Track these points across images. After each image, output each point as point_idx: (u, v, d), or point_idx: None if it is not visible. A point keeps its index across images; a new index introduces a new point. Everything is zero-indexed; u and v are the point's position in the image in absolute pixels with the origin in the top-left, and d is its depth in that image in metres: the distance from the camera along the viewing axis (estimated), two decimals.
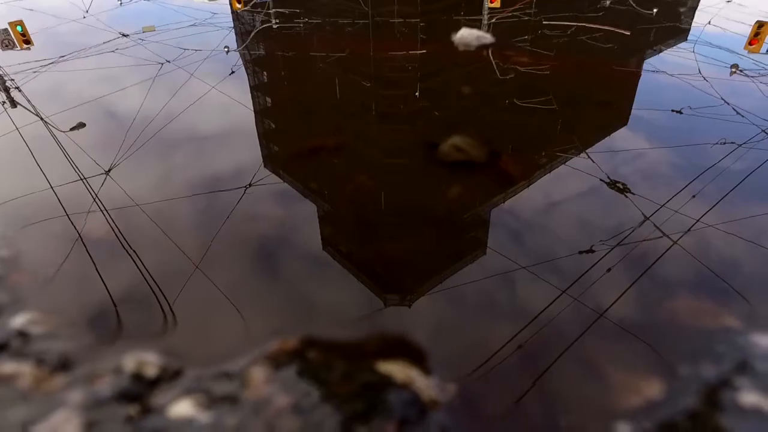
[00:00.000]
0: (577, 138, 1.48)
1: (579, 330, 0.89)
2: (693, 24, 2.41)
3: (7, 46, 2.31)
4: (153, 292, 0.98)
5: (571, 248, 1.07)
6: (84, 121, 1.61)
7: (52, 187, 1.28)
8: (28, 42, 2.35)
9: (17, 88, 1.85)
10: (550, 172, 1.33)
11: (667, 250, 1.05)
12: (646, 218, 1.14)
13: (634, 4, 2.64)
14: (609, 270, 1.01)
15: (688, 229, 1.11)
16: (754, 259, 1.04)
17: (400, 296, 0.99)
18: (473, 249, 1.10)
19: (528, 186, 1.28)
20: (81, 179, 1.31)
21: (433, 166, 1.35)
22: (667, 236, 1.09)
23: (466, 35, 1.72)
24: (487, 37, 1.74)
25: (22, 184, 1.30)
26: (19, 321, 0.92)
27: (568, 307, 0.93)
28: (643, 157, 1.38)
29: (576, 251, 1.06)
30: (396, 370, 0.82)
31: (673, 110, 1.60)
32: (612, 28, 2.30)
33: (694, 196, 1.20)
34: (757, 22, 2.24)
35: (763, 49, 2.07)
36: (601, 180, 1.28)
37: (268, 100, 1.85)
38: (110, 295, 0.98)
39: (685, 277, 1.00)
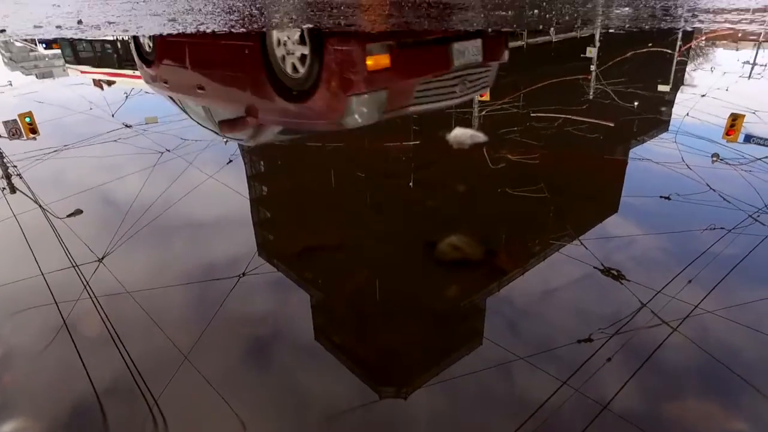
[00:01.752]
0: (568, 225, 1.50)
1: (582, 423, 0.85)
2: (672, 116, 2.53)
3: (14, 135, 2.39)
4: (140, 385, 0.94)
5: (569, 337, 1.05)
6: (81, 208, 1.62)
7: (42, 274, 1.27)
8: (34, 131, 2.43)
9: (19, 174, 1.89)
10: (544, 260, 1.33)
11: (667, 337, 1.04)
12: (643, 305, 1.13)
13: (615, 98, 2.79)
14: (609, 359, 0.98)
15: (687, 316, 1.09)
16: (755, 346, 1.02)
17: (395, 389, 0.95)
18: (469, 339, 1.08)
19: (523, 274, 1.28)
20: (73, 266, 1.30)
21: (429, 262, 1.35)
22: (666, 323, 1.07)
23: (460, 135, 1.80)
24: (480, 136, 1.82)
25: (12, 270, 1.29)
26: (6, 429, 0.86)
27: (569, 398, 0.90)
28: (635, 244, 1.40)
29: (574, 340, 1.04)
30: None
31: (661, 196, 1.63)
32: (597, 120, 2.41)
33: (689, 282, 1.20)
34: (732, 114, 2.36)
35: (740, 139, 2.16)
36: (594, 267, 1.28)
37: (265, 189, 1.88)
38: (97, 394, 0.94)
39: (688, 365, 0.97)
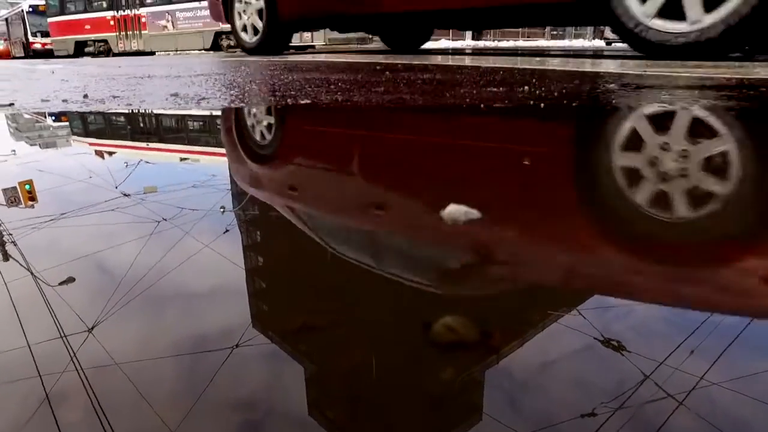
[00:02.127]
0: (566, 296, 1.49)
1: None
2: None
3: (12, 203, 2.41)
4: None
5: (572, 412, 1.01)
6: (74, 276, 1.61)
7: (28, 345, 1.23)
8: (33, 199, 2.45)
9: (13, 242, 1.88)
10: (542, 331, 1.31)
11: (674, 411, 1.00)
12: (647, 377, 1.10)
13: None
14: None
15: (692, 388, 1.06)
16: (766, 420, 0.99)
17: None
18: (468, 416, 1.04)
19: (521, 346, 1.25)
20: (61, 337, 1.27)
21: (424, 344, 1.33)
22: (671, 396, 1.04)
23: (454, 212, 1.82)
24: (474, 213, 1.84)
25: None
26: None
27: None
28: (633, 314, 1.38)
29: (577, 415, 1.00)
30: None
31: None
32: None
33: (692, 352, 1.18)
34: None
35: None
36: (594, 338, 1.26)
37: (260, 259, 1.88)
38: None
39: None
